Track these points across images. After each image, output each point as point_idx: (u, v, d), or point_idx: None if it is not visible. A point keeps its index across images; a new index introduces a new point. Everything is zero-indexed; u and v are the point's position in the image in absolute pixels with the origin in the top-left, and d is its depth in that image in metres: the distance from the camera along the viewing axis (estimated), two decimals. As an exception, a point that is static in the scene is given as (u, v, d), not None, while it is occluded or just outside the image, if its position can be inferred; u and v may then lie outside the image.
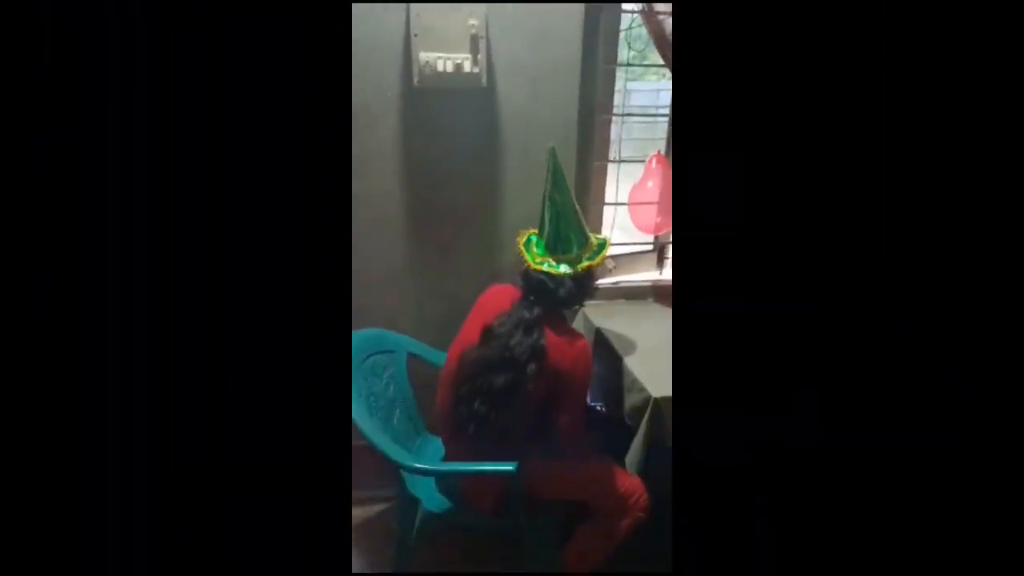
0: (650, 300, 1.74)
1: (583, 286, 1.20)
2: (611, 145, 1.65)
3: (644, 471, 1.20)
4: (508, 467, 1.11)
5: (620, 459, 1.26)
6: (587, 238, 1.20)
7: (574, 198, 1.20)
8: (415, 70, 1.32)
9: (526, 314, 1.13)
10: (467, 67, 1.32)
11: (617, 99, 1.60)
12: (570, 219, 1.18)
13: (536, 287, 1.16)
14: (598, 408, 1.44)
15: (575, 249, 1.18)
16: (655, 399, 1.17)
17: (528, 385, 1.09)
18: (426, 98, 1.38)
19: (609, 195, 1.71)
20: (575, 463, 1.21)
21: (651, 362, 1.31)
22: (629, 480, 1.22)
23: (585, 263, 1.17)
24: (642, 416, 1.20)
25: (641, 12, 1.40)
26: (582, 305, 1.36)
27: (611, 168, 1.69)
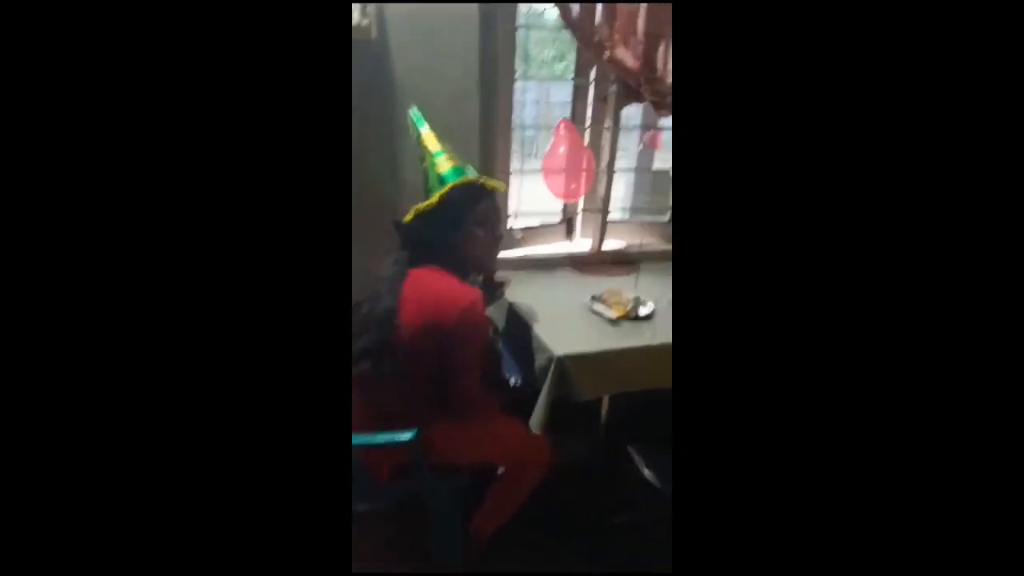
0: (557, 271, 1.73)
1: (446, 223, 1.12)
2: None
3: (548, 429, 1.17)
4: (406, 436, 1.05)
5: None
6: (431, 186, 1.14)
7: (420, 148, 1.16)
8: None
9: (391, 267, 1.12)
10: (354, 16, 1.24)
11: (519, 64, 1.57)
12: (423, 171, 1.16)
13: (404, 238, 1.14)
14: (511, 381, 1.40)
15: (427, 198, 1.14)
16: (558, 358, 1.15)
17: (404, 344, 1.05)
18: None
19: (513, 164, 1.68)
20: (477, 426, 1.17)
21: (556, 325, 1.29)
22: (532, 438, 1.20)
23: (421, 204, 1.11)
24: (544, 373, 1.18)
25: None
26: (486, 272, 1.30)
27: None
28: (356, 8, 1.24)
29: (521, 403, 1.29)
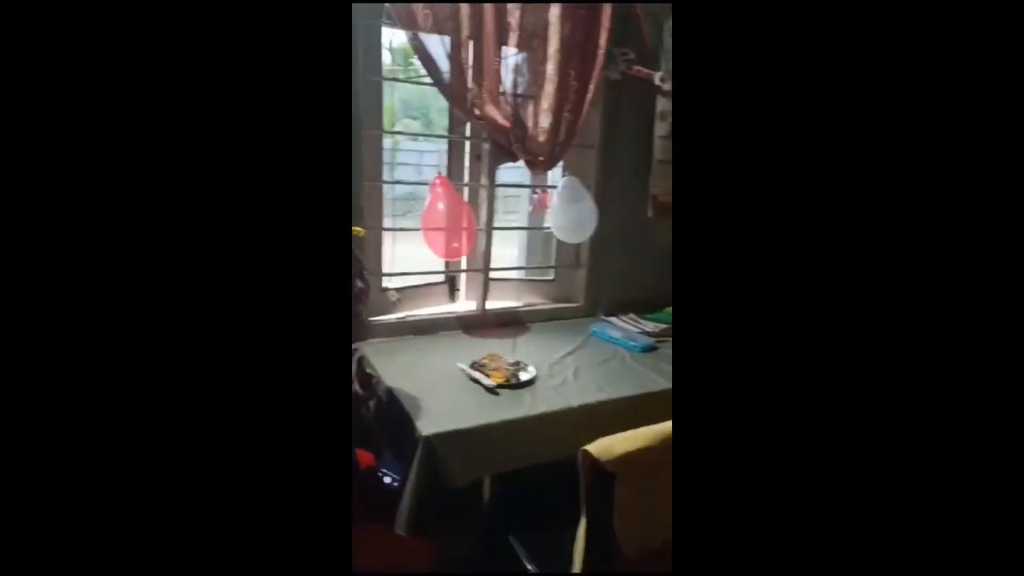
0: (440, 334, 1.61)
1: None
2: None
3: (419, 526, 1.01)
4: None
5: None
6: None
7: None
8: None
9: None
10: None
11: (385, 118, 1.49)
12: None
13: None
14: (383, 476, 1.21)
15: None
16: (424, 438, 1.01)
17: None
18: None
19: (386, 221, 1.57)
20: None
21: (429, 398, 1.15)
22: (404, 543, 1.02)
23: None
24: (411, 459, 1.03)
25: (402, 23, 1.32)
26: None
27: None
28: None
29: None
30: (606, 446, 0.75)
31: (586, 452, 0.76)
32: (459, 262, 1.75)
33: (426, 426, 1.03)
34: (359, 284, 1.00)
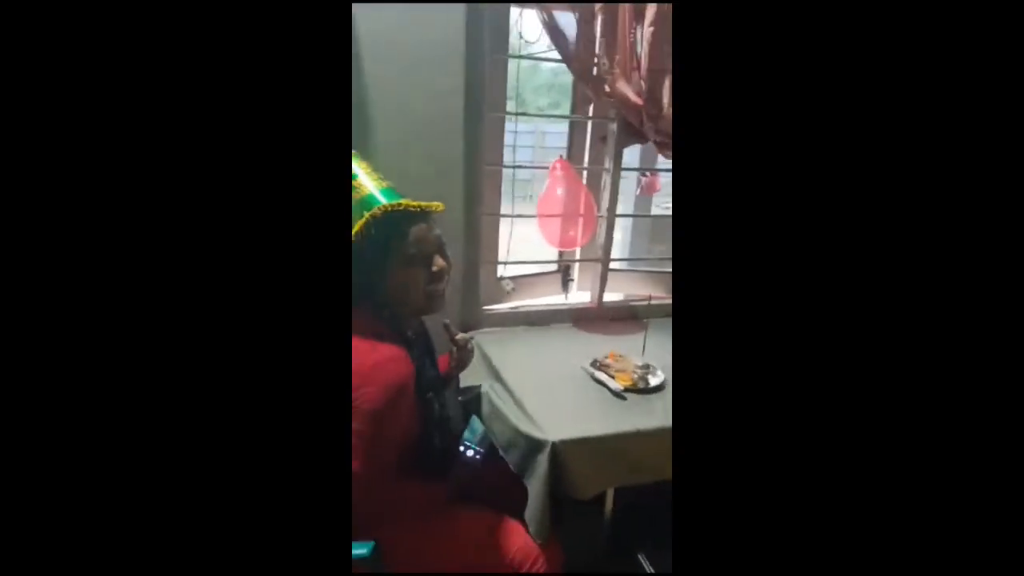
0: (553, 326, 1.53)
1: (367, 262, 0.88)
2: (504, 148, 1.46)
3: (550, 533, 0.94)
4: (360, 550, 0.83)
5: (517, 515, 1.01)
6: (366, 206, 0.88)
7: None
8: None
9: None
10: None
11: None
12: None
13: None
14: (471, 452, 1.15)
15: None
16: (552, 444, 0.94)
17: None
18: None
19: (504, 206, 1.51)
20: (451, 529, 0.95)
21: (549, 397, 1.08)
22: (519, 542, 0.97)
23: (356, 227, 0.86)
24: (535, 463, 0.96)
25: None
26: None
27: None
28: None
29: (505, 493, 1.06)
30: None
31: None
32: (574, 251, 1.65)
33: (553, 430, 0.96)
34: (440, 261, 0.94)
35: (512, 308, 1.54)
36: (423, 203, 0.91)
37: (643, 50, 1.32)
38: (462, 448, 1.16)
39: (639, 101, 1.35)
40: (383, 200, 0.89)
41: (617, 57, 1.33)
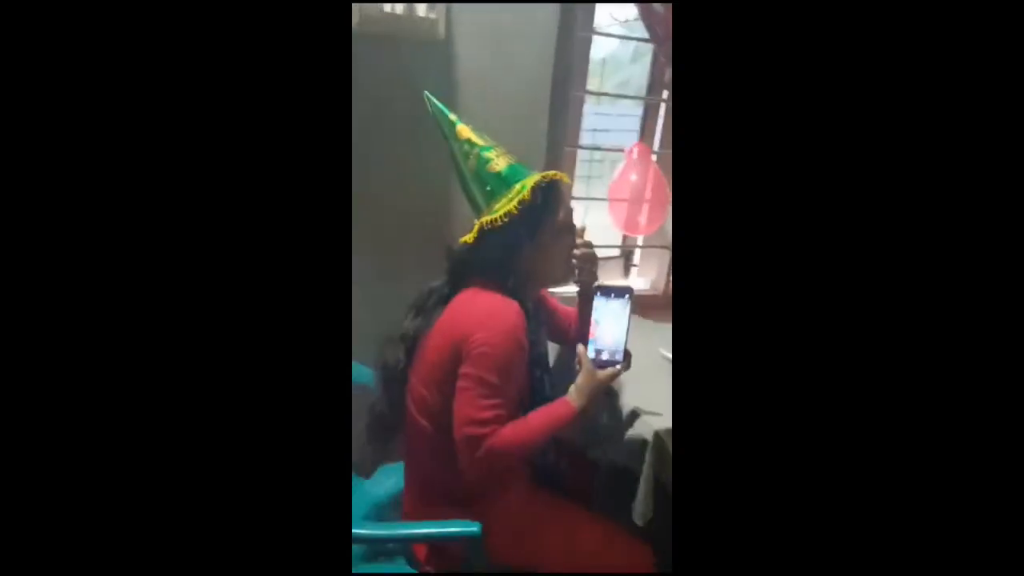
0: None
1: (522, 235, 0.88)
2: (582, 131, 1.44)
3: (654, 527, 0.94)
4: (471, 528, 0.83)
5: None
6: (489, 189, 0.89)
7: (454, 144, 0.92)
8: (355, 8, 1.03)
9: (429, 291, 0.95)
10: (421, 10, 1.05)
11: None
12: (461, 173, 0.92)
13: (456, 265, 0.94)
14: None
15: (483, 205, 0.90)
16: (656, 433, 0.94)
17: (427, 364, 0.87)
18: (367, 46, 1.08)
19: (578, 188, 1.49)
20: (551, 517, 0.95)
21: (636, 386, 1.07)
22: (632, 548, 0.95)
23: (486, 217, 0.87)
24: (638, 454, 0.96)
25: None
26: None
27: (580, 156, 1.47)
28: (422, 6, 1.05)
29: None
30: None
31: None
32: (636, 236, 1.64)
33: (655, 419, 0.95)
34: (585, 231, 0.98)
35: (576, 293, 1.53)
36: (563, 176, 0.93)
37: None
38: None
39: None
40: (528, 173, 0.89)
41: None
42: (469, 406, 0.80)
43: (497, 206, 0.87)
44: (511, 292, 0.88)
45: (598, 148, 1.48)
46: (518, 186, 0.87)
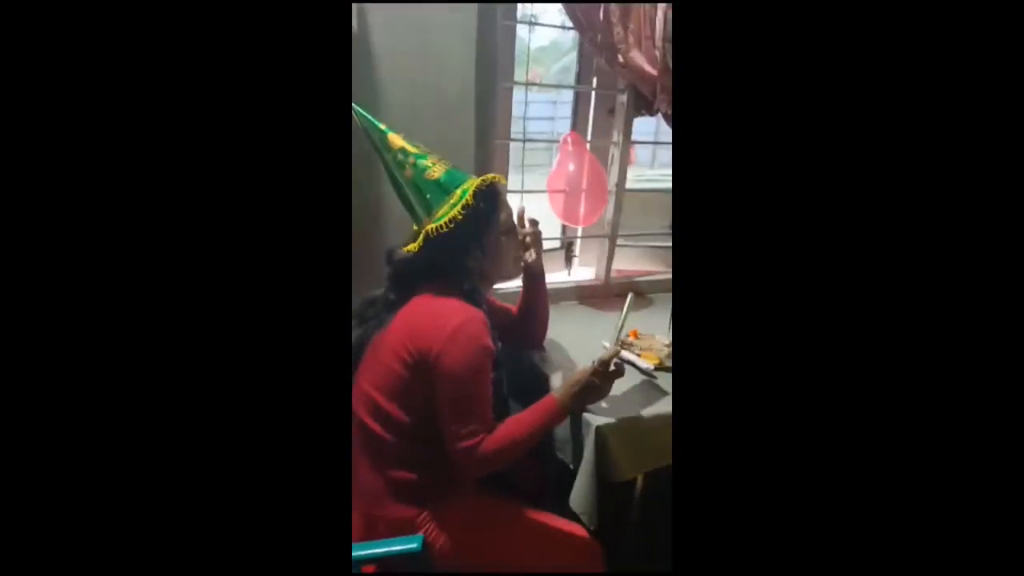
0: (561, 304, 1.51)
1: (465, 238, 0.90)
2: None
3: (597, 518, 0.93)
4: (411, 545, 0.80)
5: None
6: (429, 196, 0.90)
7: (387, 155, 0.92)
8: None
9: (371, 300, 0.96)
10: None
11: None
12: (397, 182, 0.93)
13: (399, 272, 0.94)
14: None
15: (423, 213, 0.91)
16: (597, 428, 0.92)
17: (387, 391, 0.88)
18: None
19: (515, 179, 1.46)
20: (498, 520, 0.93)
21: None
22: (580, 545, 0.95)
23: (431, 225, 0.88)
24: (579, 449, 0.95)
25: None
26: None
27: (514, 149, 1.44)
28: None
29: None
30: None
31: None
32: (576, 227, 1.62)
33: (595, 414, 0.94)
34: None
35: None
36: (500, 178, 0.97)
37: (659, 18, 1.28)
38: None
39: (653, 72, 1.32)
40: (466, 178, 0.92)
41: (631, 26, 1.28)
42: (455, 423, 0.83)
43: (440, 212, 0.89)
44: (467, 296, 0.90)
45: (531, 139, 1.45)
46: (459, 191, 0.89)
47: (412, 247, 0.90)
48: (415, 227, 0.93)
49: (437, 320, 0.86)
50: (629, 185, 1.52)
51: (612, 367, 0.90)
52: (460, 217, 0.87)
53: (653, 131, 1.85)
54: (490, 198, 0.91)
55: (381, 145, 0.91)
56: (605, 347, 1.19)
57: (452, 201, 0.88)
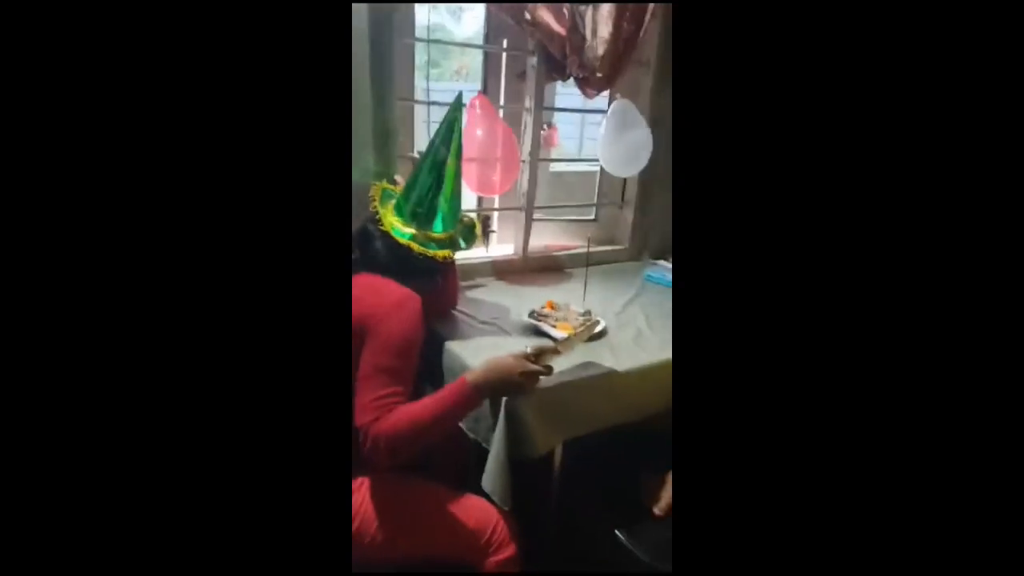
0: (481, 279, 1.43)
1: (419, 268, 0.94)
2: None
3: (510, 497, 0.86)
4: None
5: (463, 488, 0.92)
6: (458, 217, 1.00)
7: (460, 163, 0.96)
8: None
9: None
10: None
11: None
12: (451, 189, 0.96)
13: (373, 253, 0.93)
14: None
15: (441, 227, 0.97)
16: (506, 402, 0.85)
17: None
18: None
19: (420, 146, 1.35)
20: (417, 501, 0.87)
21: (492, 354, 0.98)
22: (479, 511, 0.89)
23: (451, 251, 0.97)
24: (491, 425, 0.87)
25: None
26: None
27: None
28: None
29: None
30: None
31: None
32: (492, 200, 1.55)
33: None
34: None
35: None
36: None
37: (565, -27, 1.22)
38: None
39: (562, 30, 1.25)
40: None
41: (538, -21, 1.21)
42: (372, 390, 0.80)
43: (459, 237, 1.02)
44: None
45: (435, 103, 1.35)
46: (467, 225, 1.07)
47: (443, 253, 0.94)
48: (434, 232, 0.96)
49: (382, 291, 0.87)
50: (557, 169, 1.46)
51: (542, 367, 0.86)
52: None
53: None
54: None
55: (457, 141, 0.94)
56: (525, 320, 1.13)
57: (463, 229, 1.04)
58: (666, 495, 0.96)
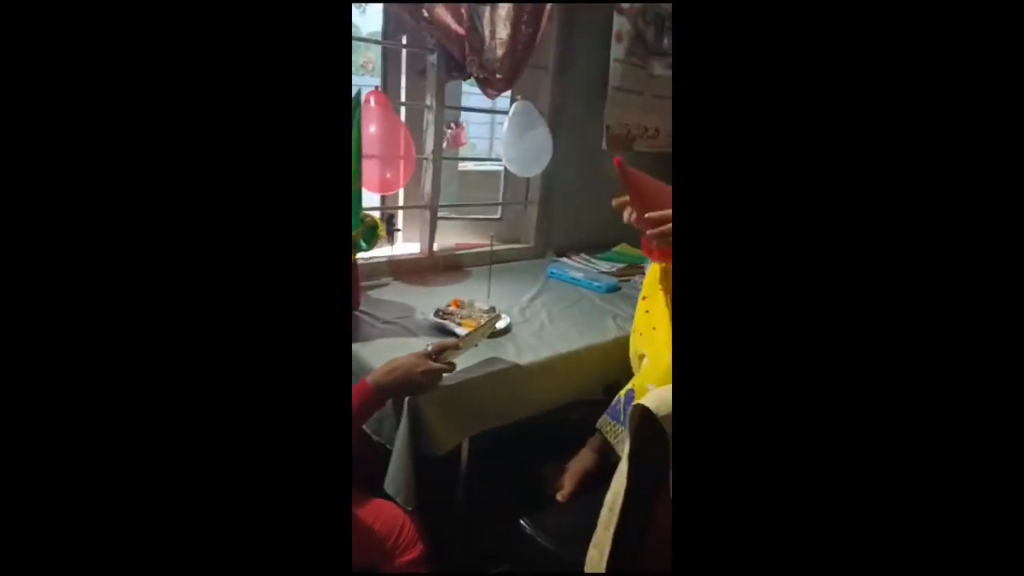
0: (385, 279, 1.40)
1: None
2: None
3: (415, 497, 0.85)
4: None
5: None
6: (359, 217, 1.01)
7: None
8: None
9: None
10: None
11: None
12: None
13: None
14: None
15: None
16: (409, 402, 0.84)
17: None
18: None
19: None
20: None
21: (396, 354, 0.97)
22: (386, 514, 0.88)
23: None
24: (395, 425, 0.86)
25: None
26: None
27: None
28: None
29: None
30: (663, 399, 0.64)
31: (641, 408, 0.64)
32: (396, 199, 1.53)
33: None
34: None
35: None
36: None
37: (463, -26, 1.23)
38: None
39: (461, 30, 1.26)
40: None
41: (435, -22, 1.21)
42: None
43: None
44: None
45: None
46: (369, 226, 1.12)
47: None
48: None
49: None
50: (465, 168, 1.46)
51: (444, 364, 0.85)
52: None
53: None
54: None
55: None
56: (428, 319, 1.12)
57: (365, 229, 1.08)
58: (568, 482, 1.00)
